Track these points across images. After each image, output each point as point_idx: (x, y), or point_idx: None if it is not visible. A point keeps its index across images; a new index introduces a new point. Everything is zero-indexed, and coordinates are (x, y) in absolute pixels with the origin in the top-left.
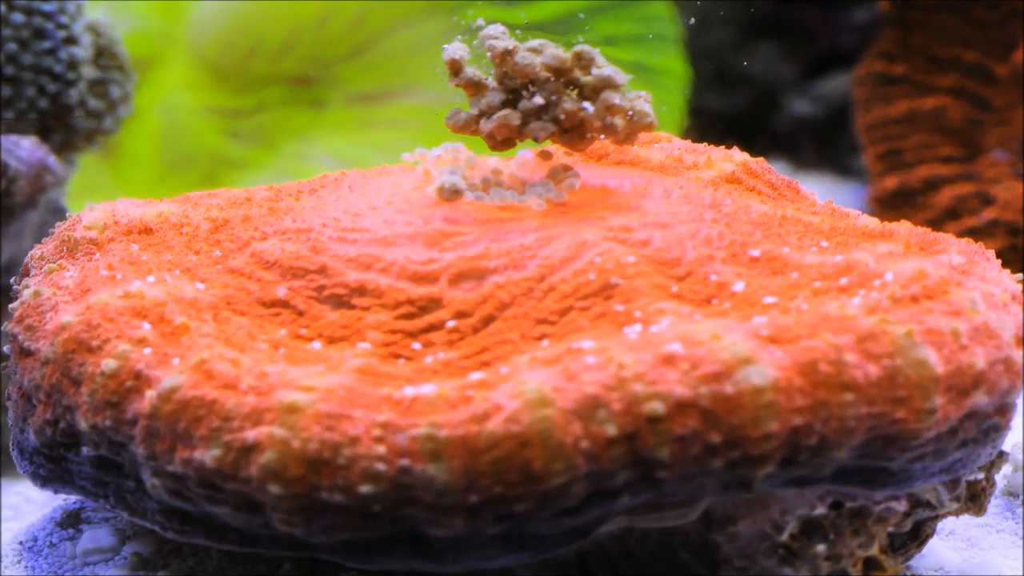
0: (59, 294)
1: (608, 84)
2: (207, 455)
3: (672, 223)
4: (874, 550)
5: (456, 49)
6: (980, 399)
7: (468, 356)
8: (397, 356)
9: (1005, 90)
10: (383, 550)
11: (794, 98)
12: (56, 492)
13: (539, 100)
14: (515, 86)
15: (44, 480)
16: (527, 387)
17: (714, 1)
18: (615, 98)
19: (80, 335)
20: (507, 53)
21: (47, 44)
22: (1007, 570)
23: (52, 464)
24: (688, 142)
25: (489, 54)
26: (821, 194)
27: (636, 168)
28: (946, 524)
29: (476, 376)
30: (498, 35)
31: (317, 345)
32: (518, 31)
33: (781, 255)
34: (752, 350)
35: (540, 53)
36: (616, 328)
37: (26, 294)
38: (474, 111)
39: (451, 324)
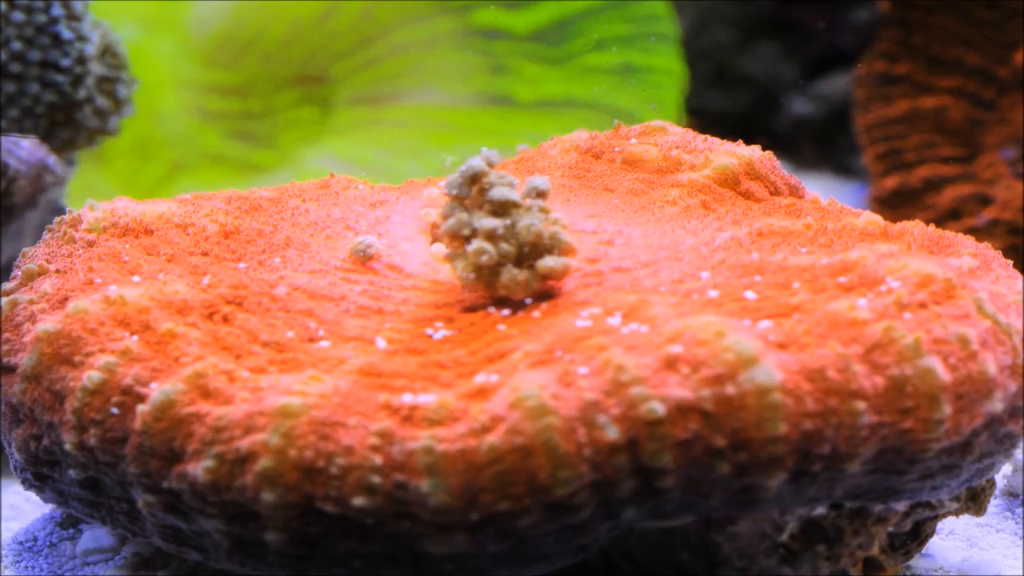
0: (36, 302)
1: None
2: (200, 467)
3: (635, 267)
4: (874, 550)
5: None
6: (995, 406)
7: (475, 352)
8: (408, 349)
9: (1006, 90)
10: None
11: (794, 98)
12: (58, 507)
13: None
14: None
15: (43, 498)
16: (525, 394)
17: (714, 1)
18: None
19: (61, 349)
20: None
21: (55, 39)
22: (1007, 570)
23: (39, 482)
24: (689, 132)
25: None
26: (821, 194)
27: (632, 169)
28: (946, 524)
29: (480, 379)
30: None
31: (326, 344)
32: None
33: (766, 257)
34: (759, 350)
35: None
36: (607, 313)
37: (4, 303)
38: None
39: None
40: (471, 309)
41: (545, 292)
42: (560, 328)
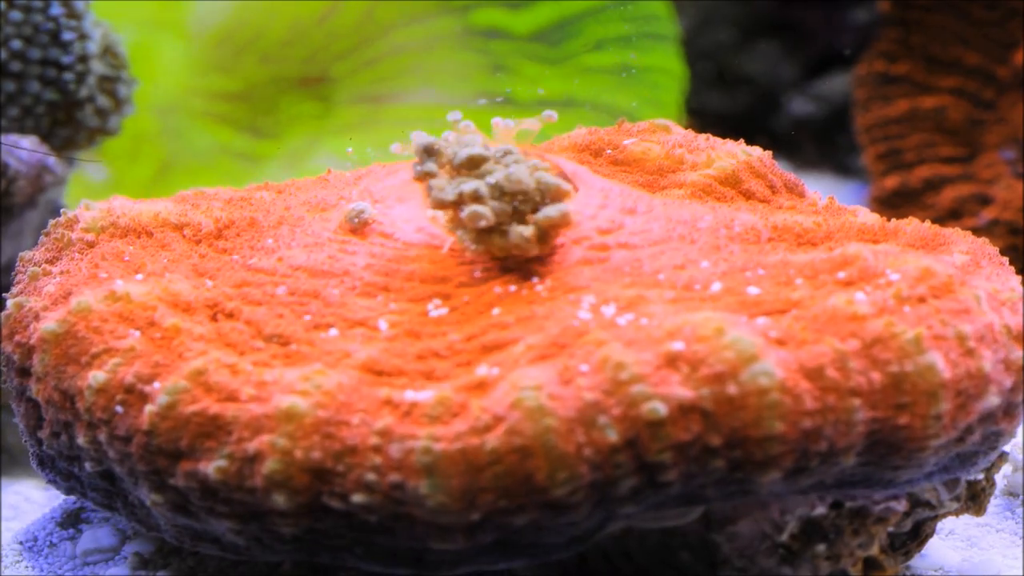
0: (41, 301)
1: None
2: (211, 467)
3: (643, 245)
4: (874, 550)
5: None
6: (991, 401)
7: (472, 337)
8: (409, 332)
9: (1005, 90)
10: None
11: (794, 98)
12: (77, 501)
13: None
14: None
15: (66, 490)
16: (523, 394)
17: (714, 1)
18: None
19: (69, 350)
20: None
21: (54, 38)
22: (1007, 570)
23: (65, 474)
24: (691, 132)
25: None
26: (821, 194)
27: (632, 170)
28: (946, 524)
29: (481, 372)
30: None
31: (334, 332)
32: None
33: (766, 258)
34: (759, 347)
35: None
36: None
37: (9, 305)
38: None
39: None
40: (469, 284)
41: (548, 259)
42: (559, 318)
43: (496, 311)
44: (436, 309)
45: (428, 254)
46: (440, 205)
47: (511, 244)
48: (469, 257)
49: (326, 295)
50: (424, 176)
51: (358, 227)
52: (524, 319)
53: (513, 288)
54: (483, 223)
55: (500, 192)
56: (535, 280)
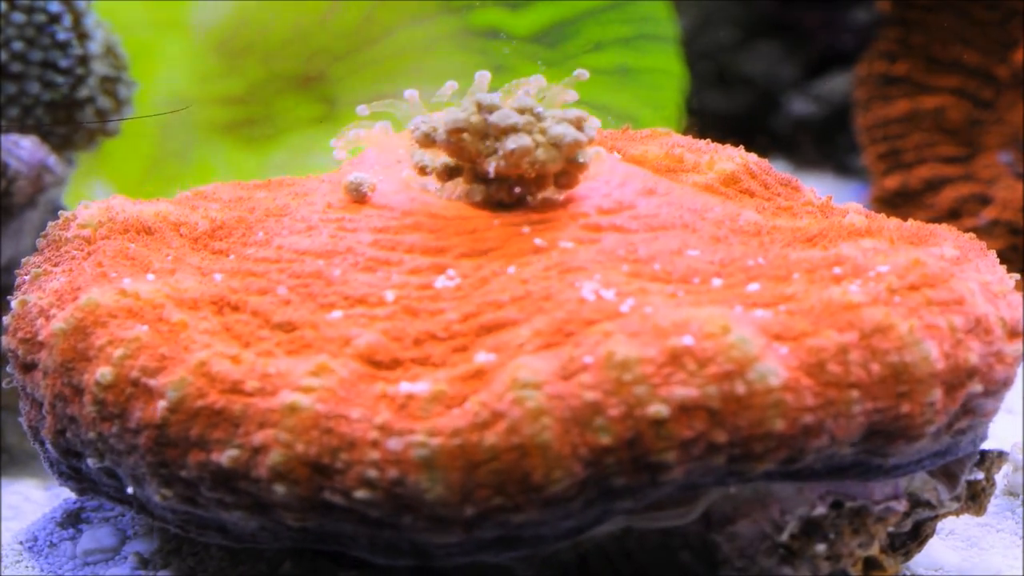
0: (45, 298)
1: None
2: (224, 456)
3: (639, 229)
4: (874, 550)
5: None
6: (975, 389)
7: (470, 316)
8: (408, 310)
9: (1005, 90)
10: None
11: (794, 98)
12: (91, 499)
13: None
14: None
15: (79, 490)
16: (523, 393)
17: (714, 1)
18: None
19: (77, 344)
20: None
21: (57, 39)
22: (1007, 570)
23: (75, 472)
24: (689, 138)
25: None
26: (821, 194)
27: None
28: (946, 524)
29: (480, 359)
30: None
31: (338, 314)
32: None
33: (765, 251)
34: (763, 346)
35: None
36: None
37: (13, 305)
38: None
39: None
40: (469, 255)
41: (545, 234)
42: (558, 300)
43: (493, 287)
44: (437, 283)
45: (428, 223)
46: (470, 131)
47: (556, 137)
48: (470, 227)
49: (329, 274)
50: (427, 134)
51: (359, 197)
52: (519, 298)
53: (511, 265)
54: (512, 120)
55: (517, 108)
56: (533, 255)
